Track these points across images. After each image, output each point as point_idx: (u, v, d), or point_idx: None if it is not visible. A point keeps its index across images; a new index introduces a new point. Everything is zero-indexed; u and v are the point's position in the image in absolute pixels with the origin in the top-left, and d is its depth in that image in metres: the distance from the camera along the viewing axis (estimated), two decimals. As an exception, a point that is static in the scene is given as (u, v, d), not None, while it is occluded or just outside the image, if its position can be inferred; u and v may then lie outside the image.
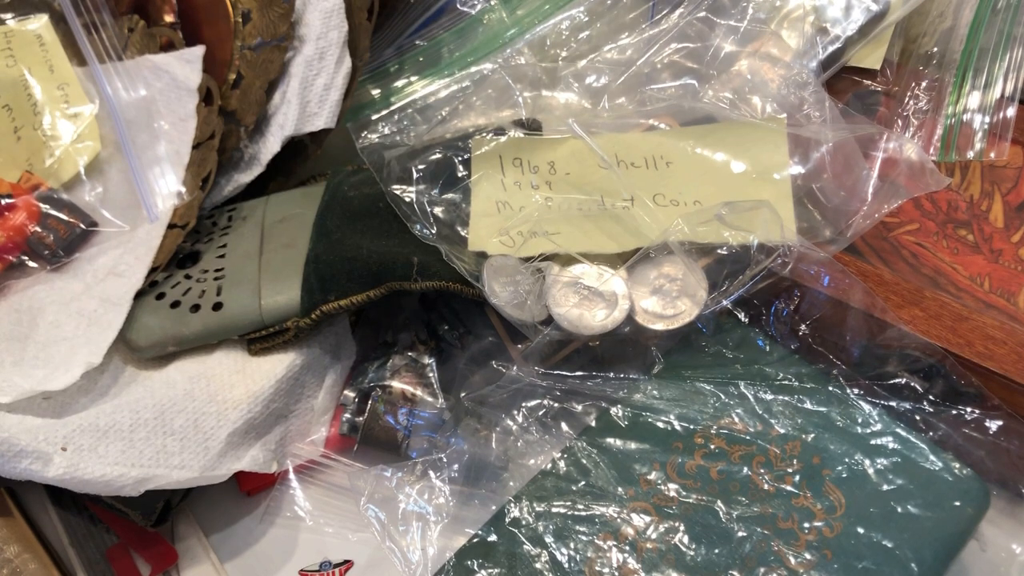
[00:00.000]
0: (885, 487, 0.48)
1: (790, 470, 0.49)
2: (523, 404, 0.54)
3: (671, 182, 0.57)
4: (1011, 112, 0.62)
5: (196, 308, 0.55)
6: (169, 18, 0.65)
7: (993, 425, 0.50)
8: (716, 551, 0.47)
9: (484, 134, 0.59)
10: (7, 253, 0.58)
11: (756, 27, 0.62)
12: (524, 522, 0.49)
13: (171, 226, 0.58)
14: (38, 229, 0.58)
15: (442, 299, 0.61)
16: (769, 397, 0.52)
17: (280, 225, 0.60)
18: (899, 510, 0.47)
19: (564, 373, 0.54)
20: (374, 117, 0.65)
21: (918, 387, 0.52)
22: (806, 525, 0.47)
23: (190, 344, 0.55)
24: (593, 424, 0.52)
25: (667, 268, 0.53)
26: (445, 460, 0.53)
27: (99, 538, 0.55)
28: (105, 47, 0.63)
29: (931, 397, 0.52)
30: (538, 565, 0.47)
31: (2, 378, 0.51)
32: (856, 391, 0.51)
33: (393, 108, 0.66)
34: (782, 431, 0.50)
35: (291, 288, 0.55)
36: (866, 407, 0.51)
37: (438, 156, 0.59)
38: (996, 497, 0.51)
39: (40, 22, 0.64)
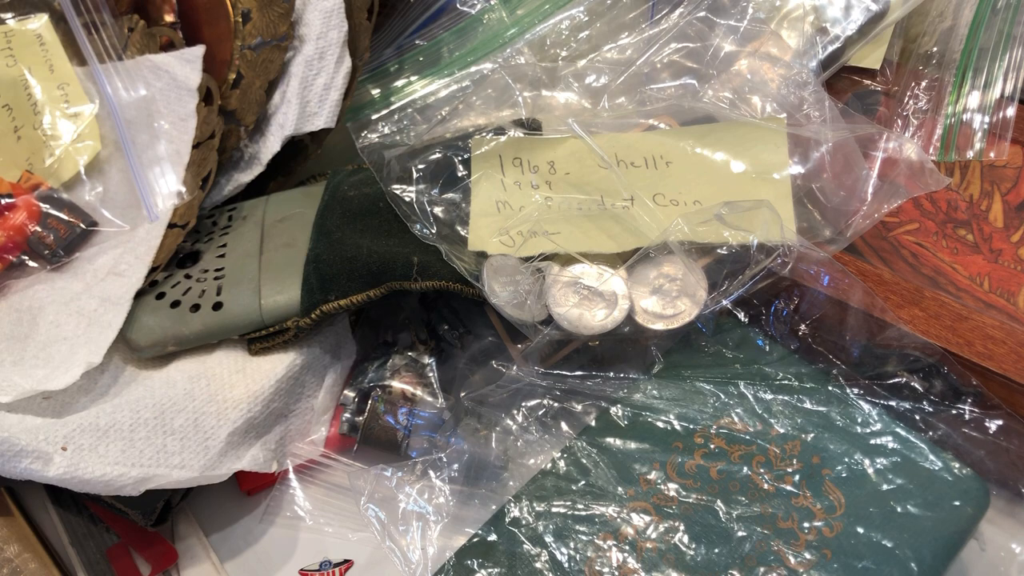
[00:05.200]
0: (885, 487, 0.48)
1: (790, 470, 0.49)
2: (523, 404, 0.54)
3: (671, 182, 0.57)
4: (1011, 112, 0.62)
5: (196, 308, 0.55)
6: (169, 18, 0.65)
7: (993, 425, 0.50)
8: (716, 551, 0.47)
9: (484, 134, 0.59)
10: (7, 253, 0.58)
11: (756, 27, 0.62)
12: (524, 522, 0.49)
13: (171, 226, 0.58)
14: (38, 229, 0.58)
15: (442, 299, 0.61)
16: (769, 397, 0.52)
17: (280, 225, 0.60)
18: (899, 510, 0.47)
19: (564, 373, 0.54)
20: (374, 117, 0.65)
21: (918, 387, 0.52)
22: (806, 525, 0.47)
23: (190, 344, 0.55)
24: (593, 424, 0.52)
25: (667, 268, 0.53)
26: (445, 460, 0.53)
27: (99, 538, 0.55)
28: (105, 47, 0.63)
29: (931, 397, 0.52)
30: (538, 564, 0.47)
31: (2, 378, 0.51)
32: (856, 391, 0.51)
33: (393, 108, 0.66)
34: (782, 431, 0.50)
35: (291, 288, 0.55)
36: (866, 407, 0.51)
37: (438, 156, 0.59)
38: (996, 497, 0.51)
39: (40, 22, 0.64)
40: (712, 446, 0.50)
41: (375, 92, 0.67)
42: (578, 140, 0.58)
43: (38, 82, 0.62)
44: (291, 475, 0.55)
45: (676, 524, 0.48)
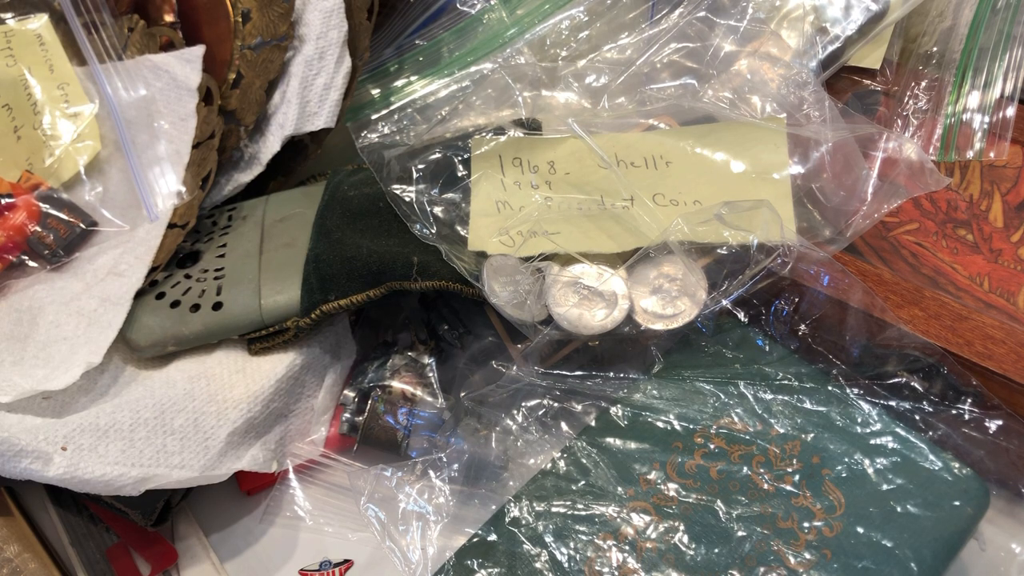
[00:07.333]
0: (885, 487, 0.48)
1: (790, 470, 0.49)
2: (523, 404, 0.54)
3: (671, 182, 0.57)
4: (1011, 112, 0.62)
5: (196, 308, 0.55)
6: (169, 18, 0.65)
7: (993, 425, 0.50)
8: (716, 551, 0.47)
9: (484, 134, 0.59)
10: (7, 253, 0.58)
11: (756, 27, 0.62)
12: (524, 522, 0.49)
13: (171, 225, 0.58)
14: (38, 229, 0.58)
15: (442, 299, 0.61)
16: (769, 397, 0.52)
17: (280, 224, 0.60)
18: (899, 510, 0.47)
19: (564, 373, 0.54)
20: (374, 117, 0.65)
21: (918, 387, 0.52)
22: (806, 525, 0.47)
23: (190, 344, 0.55)
24: (593, 424, 0.52)
25: (667, 268, 0.53)
26: (445, 460, 0.53)
27: (99, 538, 0.55)
28: (105, 47, 0.63)
29: (931, 397, 0.52)
30: (538, 564, 0.47)
31: (2, 378, 0.51)
32: (856, 391, 0.51)
33: (393, 108, 0.66)
34: (782, 431, 0.50)
35: (291, 288, 0.55)
36: (866, 407, 0.51)
37: (438, 156, 0.59)
38: (996, 497, 0.51)
39: (40, 22, 0.64)
40: (712, 446, 0.50)
41: (375, 92, 0.67)
42: (578, 140, 0.58)
43: (38, 82, 0.62)
44: (291, 475, 0.55)
45: (676, 524, 0.48)
